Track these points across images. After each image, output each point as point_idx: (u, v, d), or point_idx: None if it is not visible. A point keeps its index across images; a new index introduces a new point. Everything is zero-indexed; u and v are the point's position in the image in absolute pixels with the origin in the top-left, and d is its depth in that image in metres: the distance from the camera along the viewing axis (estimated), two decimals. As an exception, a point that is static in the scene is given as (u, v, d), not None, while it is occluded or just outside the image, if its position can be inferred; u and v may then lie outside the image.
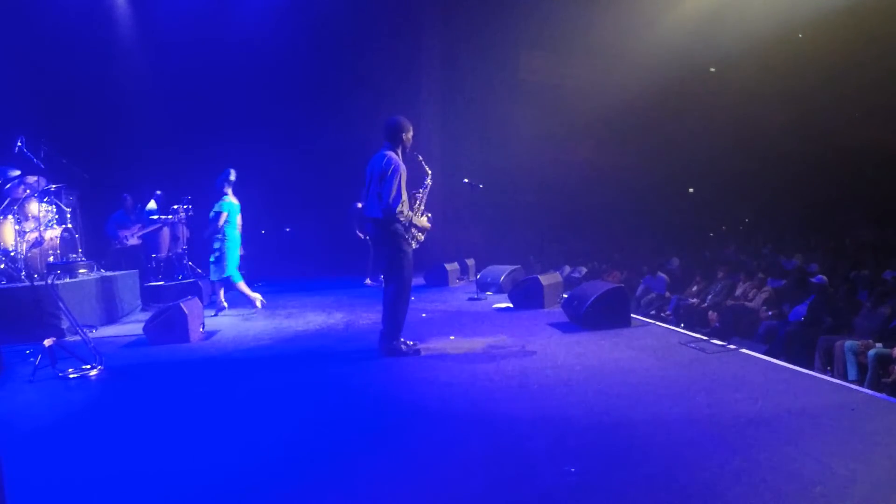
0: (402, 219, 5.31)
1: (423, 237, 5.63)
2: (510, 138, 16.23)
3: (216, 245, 8.32)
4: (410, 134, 5.53)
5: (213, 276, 8.49)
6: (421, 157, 5.70)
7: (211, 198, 8.47)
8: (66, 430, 3.85)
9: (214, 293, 8.81)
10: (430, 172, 5.78)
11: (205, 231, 8.55)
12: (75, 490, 2.92)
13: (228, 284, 8.51)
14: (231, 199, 8.37)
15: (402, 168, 5.32)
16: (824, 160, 16.05)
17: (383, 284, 5.63)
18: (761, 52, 14.38)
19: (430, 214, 5.73)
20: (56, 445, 3.57)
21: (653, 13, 14.20)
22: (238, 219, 8.54)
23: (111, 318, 8.30)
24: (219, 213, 8.21)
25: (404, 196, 5.32)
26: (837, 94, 14.98)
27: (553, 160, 16.90)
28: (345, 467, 3.06)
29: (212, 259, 8.41)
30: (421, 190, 5.73)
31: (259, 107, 14.88)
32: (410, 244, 5.48)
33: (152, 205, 10.64)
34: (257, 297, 8.61)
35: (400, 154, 5.44)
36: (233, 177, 8.39)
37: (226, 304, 8.58)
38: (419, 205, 5.66)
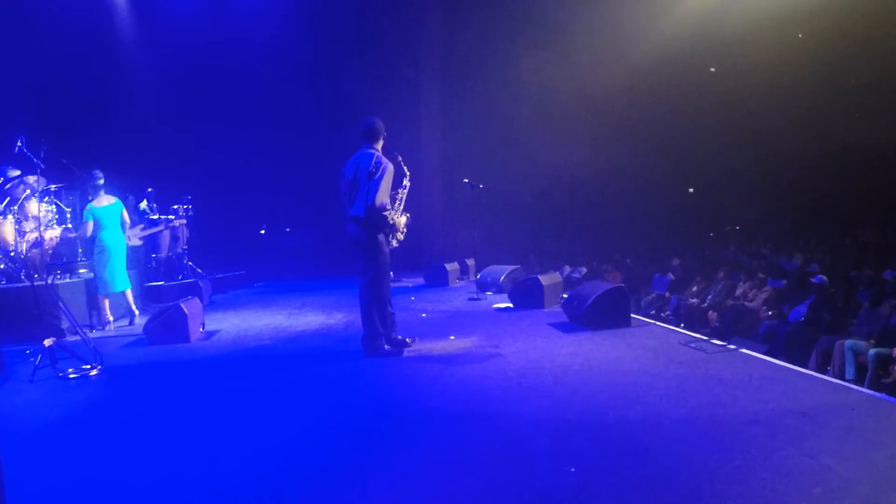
0: (389, 217, 5.31)
1: (402, 237, 5.66)
2: (510, 138, 16.22)
3: (95, 254, 7.66)
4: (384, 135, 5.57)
5: (101, 290, 7.70)
6: (400, 157, 5.67)
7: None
8: (66, 430, 3.85)
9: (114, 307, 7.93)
10: (408, 173, 5.78)
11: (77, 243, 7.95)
12: (75, 490, 2.92)
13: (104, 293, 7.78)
14: (100, 203, 7.72)
15: (391, 167, 5.33)
16: (824, 160, 16.04)
17: (360, 285, 5.53)
18: (761, 52, 14.39)
19: (408, 215, 5.75)
20: (56, 445, 3.57)
21: (653, 13, 14.20)
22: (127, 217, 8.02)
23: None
24: (84, 224, 7.64)
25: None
26: (837, 94, 14.98)
27: (553, 160, 16.89)
28: (345, 467, 3.06)
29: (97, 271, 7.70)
30: (400, 190, 5.73)
31: (259, 107, 14.89)
32: (389, 244, 5.51)
33: (144, 204, 10.64)
34: (110, 319, 7.76)
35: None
36: (100, 181, 7.76)
37: (137, 311, 8.07)
38: (398, 205, 5.69)
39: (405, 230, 5.67)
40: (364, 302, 5.46)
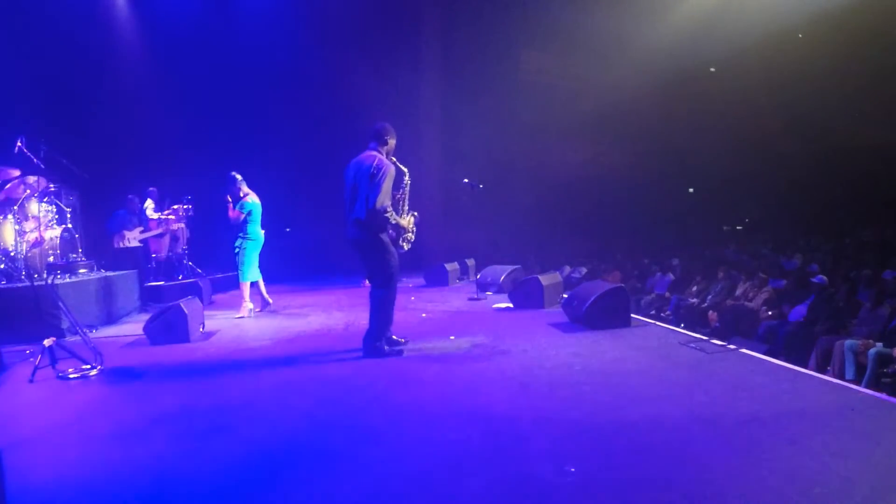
0: (391, 218, 5.29)
1: (412, 237, 5.66)
2: (511, 138, 16.23)
3: (237, 243, 8.23)
4: (394, 142, 5.52)
5: (243, 278, 8.31)
6: (394, 158, 5.54)
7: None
8: (66, 430, 3.85)
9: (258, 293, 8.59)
10: (406, 171, 5.62)
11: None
12: (75, 490, 2.92)
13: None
14: (254, 199, 8.29)
15: (392, 169, 5.31)
16: (824, 160, 16.06)
17: (371, 287, 5.54)
18: (761, 53, 14.41)
19: (416, 213, 5.73)
20: (56, 445, 3.57)
21: (653, 13, 14.21)
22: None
23: (111, 318, 8.30)
24: (237, 211, 8.18)
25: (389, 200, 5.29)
26: (837, 94, 15.00)
27: (553, 160, 16.91)
28: (344, 467, 3.06)
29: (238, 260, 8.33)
30: (401, 190, 5.65)
31: (259, 107, 14.90)
32: (399, 247, 5.52)
33: (149, 203, 10.62)
34: (247, 306, 8.26)
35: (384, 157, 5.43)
36: (238, 175, 8.33)
37: (271, 300, 8.67)
38: (403, 205, 5.63)
39: (414, 229, 5.66)
40: (376, 303, 5.45)
